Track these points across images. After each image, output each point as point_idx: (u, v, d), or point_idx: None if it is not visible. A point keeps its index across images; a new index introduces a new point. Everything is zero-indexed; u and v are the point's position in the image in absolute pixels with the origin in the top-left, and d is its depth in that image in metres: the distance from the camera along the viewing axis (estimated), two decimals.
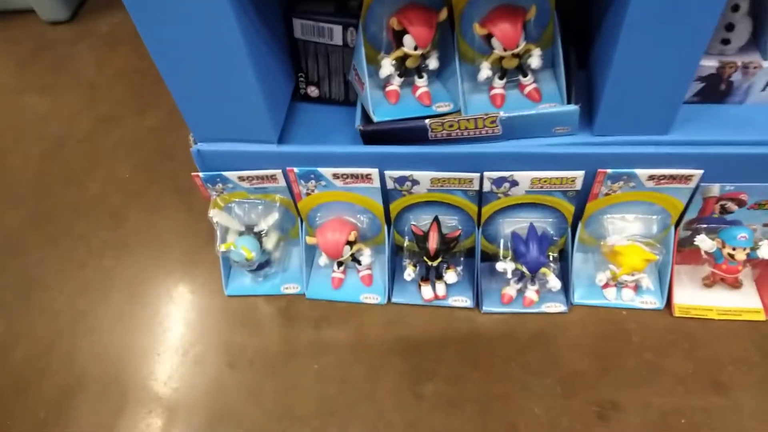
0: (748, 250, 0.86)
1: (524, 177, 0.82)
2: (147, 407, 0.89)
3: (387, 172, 0.84)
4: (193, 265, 1.05)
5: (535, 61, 0.78)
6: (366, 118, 0.82)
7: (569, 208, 0.86)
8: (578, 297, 0.93)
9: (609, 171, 0.80)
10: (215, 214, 0.91)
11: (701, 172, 0.79)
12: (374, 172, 0.83)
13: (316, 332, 0.94)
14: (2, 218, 1.17)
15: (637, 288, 0.92)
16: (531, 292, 0.92)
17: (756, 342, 0.88)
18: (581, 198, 0.85)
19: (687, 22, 0.65)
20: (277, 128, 0.83)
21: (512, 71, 0.81)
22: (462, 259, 0.95)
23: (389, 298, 0.96)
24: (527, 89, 0.82)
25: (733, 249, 0.86)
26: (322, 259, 0.97)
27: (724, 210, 0.85)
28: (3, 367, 0.95)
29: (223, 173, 0.87)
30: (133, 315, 0.99)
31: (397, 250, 0.99)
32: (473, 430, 0.82)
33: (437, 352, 0.90)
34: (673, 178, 0.80)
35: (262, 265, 0.96)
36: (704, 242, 0.86)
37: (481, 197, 0.86)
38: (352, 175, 0.84)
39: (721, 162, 0.79)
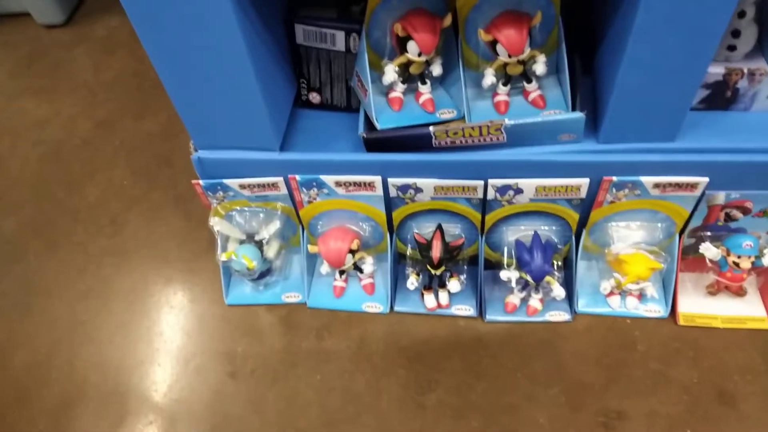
0: (753, 259, 0.85)
1: (529, 185, 0.81)
2: (147, 417, 0.88)
3: (390, 180, 0.83)
4: (192, 273, 1.04)
5: (539, 67, 0.78)
6: (369, 125, 0.81)
7: (573, 216, 0.86)
8: (582, 305, 0.92)
9: (614, 179, 0.79)
10: (216, 223, 0.90)
11: (707, 179, 0.79)
12: (377, 180, 0.83)
13: (318, 342, 0.93)
14: (0, 224, 1.16)
15: (641, 296, 0.92)
16: (535, 301, 0.91)
17: (761, 350, 0.87)
18: (586, 206, 0.85)
19: (695, 29, 0.64)
20: (279, 136, 0.82)
21: (516, 77, 0.80)
22: (465, 267, 0.94)
23: (392, 307, 0.95)
24: (532, 96, 0.81)
25: (738, 257, 0.85)
26: (324, 268, 0.96)
27: (728, 218, 0.85)
28: (2, 377, 0.93)
29: (224, 181, 0.86)
30: (132, 324, 0.98)
31: (399, 259, 0.98)
32: None
33: (440, 362, 0.89)
34: (678, 185, 0.80)
35: (263, 273, 0.95)
36: (709, 250, 0.86)
37: (484, 205, 0.85)
38: (355, 183, 0.84)
39: (727, 170, 0.78)
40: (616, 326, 0.91)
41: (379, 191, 0.84)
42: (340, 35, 0.81)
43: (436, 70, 0.81)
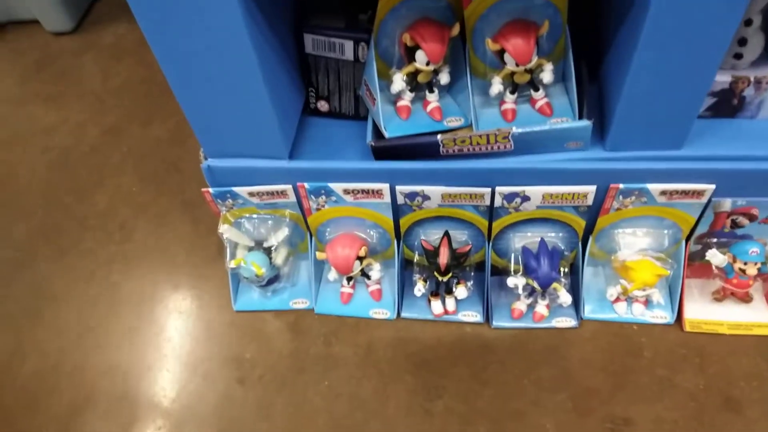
0: (759, 265, 0.85)
1: (536, 192, 0.81)
2: (156, 423, 0.88)
3: (398, 188, 0.83)
4: (201, 280, 1.04)
5: (546, 76, 0.78)
6: (377, 133, 0.82)
7: (580, 223, 0.86)
8: (589, 311, 0.93)
9: (621, 186, 0.80)
10: (225, 230, 0.90)
11: (713, 187, 0.79)
12: (385, 187, 0.83)
13: (326, 348, 0.93)
14: (10, 230, 1.17)
15: (647, 302, 0.92)
16: (541, 307, 0.91)
17: (767, 357, 0.87)
18: (592, 212, 0.85)
19: (702, 38, 0.64)
20: (288, 144, 0.83)
21: (523, 86, 0.81)
22: (472, 273, 0.94)
23: (399, 313, 0.96)
24: (539, 104, 0.81)
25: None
26: (331, 274, 0.97)
27: (735, 224, 0.85)
28: (12, 384, 0.94)
29: (233, 189, 0.87)
30: (141, 330, 0.99)
31: (406, 265, 0.98)
32: None
33: (447, 368, 0.89)
34: (685, 193, 0.80)
35: (271, 280, 0.95)
36: (715, 257, 0.86)
37: (491, 212, 0.86)
38: (363, 191, 0.84)
39: (734, 177, 0.79)
40: (623, 332, 0.91)
41: (387, 199, 0.85)
42: (348, 44, 0.82)
43: (444, 78, 0.82)
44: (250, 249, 0.92)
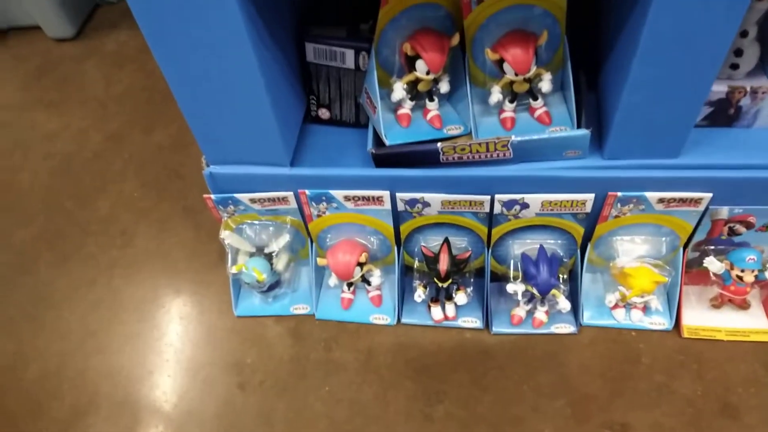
0: (756, 272, 0.86)
1: (535, 200, 0.82)
2: (157, 428, 0.89)
3: (398, 195, 0.84)
4: (202, 285, 1.05)
5: (545, 85, 0.79)
6: (377, 141, 0.83)
7: (579, 230, 0.87)
8: (587, 318, 0.93)
9: (619, 194, 0.81)
10: (227, 236, 0.91)
11: (710, 195, 0.80)
12: (385, 194, 0.84)
13: (326, 353, 0.94)
14: (12, 236, 1.17)
15: (645, 309, 0.93)
16: (540, 313, 0.92)
17: (764, 363, 0.88)
18: (591, 220, 0.86)
19: (699, 48, 0.65)
20: (290, 151, 0.84)
21: (522, 95, 0.81)
22: (471, 280, 0.95)
23: (399, 319, 0.96)
24: (537, 113, 0.82)
25: (742, 271, 0.86)
26: (332, 280, 0.97)
27: (732, 232, 0.86)
28: (15, 388, 0.95)
29: (235, 195, 0.88)
30: (142, 335, 0.99)
31: (406, 271, 0.99)
32: None
33: (447, 374, 0.90)
34: (682, 201, 0.81)
35: (272, 285, 0.96)
36: (713, 264, 0.87)
37: (491, 219, 0.87)
38: (363, 198, 0.85)
39: (731, 185, 0.79)
40: (621, 339, 0.92)
41: (387, 205, 0.86)
42: (349, 53, 0.83)
43: (444, 87, 0.83)
44: (252, 255, 0.93)
